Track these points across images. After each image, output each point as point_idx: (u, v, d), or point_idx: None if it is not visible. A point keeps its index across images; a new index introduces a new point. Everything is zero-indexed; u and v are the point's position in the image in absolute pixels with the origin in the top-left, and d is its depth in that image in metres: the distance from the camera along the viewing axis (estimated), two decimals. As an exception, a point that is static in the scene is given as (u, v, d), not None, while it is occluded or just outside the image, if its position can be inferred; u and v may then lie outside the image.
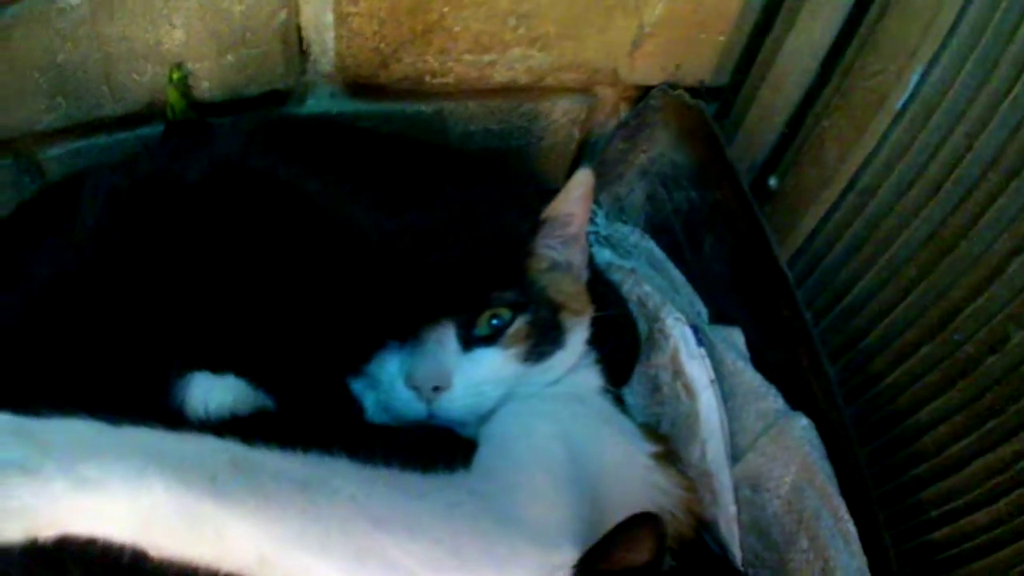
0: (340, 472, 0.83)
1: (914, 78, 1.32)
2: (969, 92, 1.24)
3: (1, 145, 1.31)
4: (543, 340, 1.19)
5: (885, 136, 1.39)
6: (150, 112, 1.33)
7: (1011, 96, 1.17)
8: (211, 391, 0.95)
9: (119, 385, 0.86)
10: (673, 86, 1.57)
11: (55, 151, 1.34)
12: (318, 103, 1.43)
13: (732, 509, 1.31)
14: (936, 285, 1.31)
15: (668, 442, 1.30)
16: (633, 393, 1.43)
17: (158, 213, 1.04)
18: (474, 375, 1.14)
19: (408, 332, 1.15)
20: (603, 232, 1.60)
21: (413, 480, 0.88)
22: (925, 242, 1.32)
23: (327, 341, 1.08)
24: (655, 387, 1.41)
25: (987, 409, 1.22)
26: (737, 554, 1.30)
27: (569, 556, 0.90)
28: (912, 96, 1.33)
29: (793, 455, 1.29)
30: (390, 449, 0.90)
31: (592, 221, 1.59)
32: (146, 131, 1.35)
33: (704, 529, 1.29)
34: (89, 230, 1.03)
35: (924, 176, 1.32)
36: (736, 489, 1.33)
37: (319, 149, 1.25)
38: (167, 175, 1.09)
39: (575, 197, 1.23)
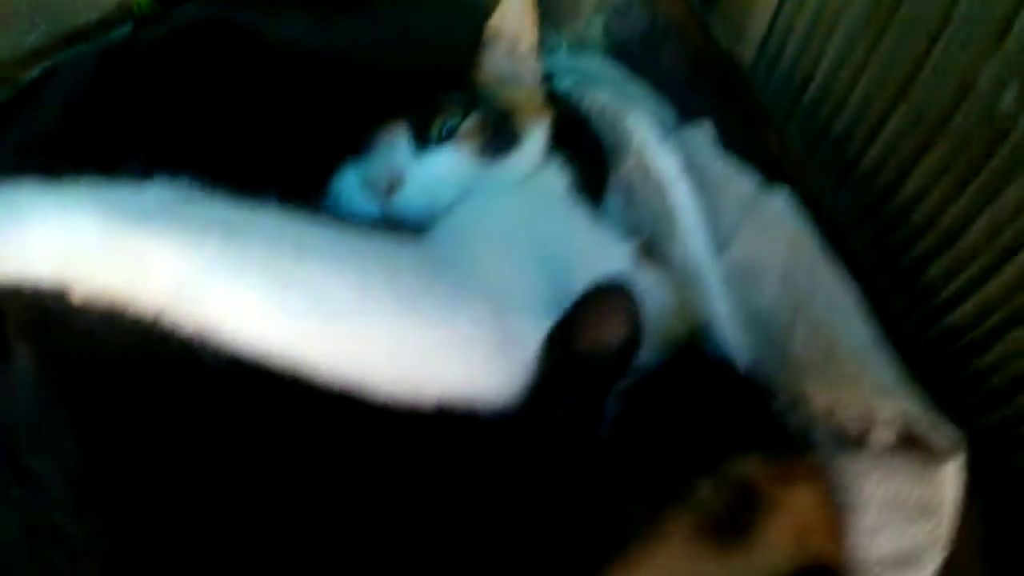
0: (272, 214, 0.85)
1: None
2: None
3: None
4: (497, 138, 1.21)
5: None
6: (121, 15, 1.37)
7: None
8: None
9: None
10: None
11: (37, 71, 1.35)
12: None
13: (725, 305, 1.28)
14: (889, 53, 1.32)
15: (649, 244, 1.29)
16: (609, 207, 1.42)
17: (122, 67, 1.10)
18: (427, 173, 1.17)
19: (364, 143, 1.18)
20: (566, 65, 1.60)
21: (351, 232, 0.89)
22: (872, 8, 1.33)
23: (287, 156, 1.09)
24: (629, 194, 1.39)
25: (970, 165, 1.22)
26: (739, 354, 1.26)
27: (531, 324, 0.89)
28: None
29: (777, 234, 1.30)
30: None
31: (554, 57, 1.60)
32: (119, 33, 1.39)
33: (702, 334, 1.26)
34: (59, 93, 1.10)
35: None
36: (727, 284, 1.30)
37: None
38: (130, 42, 1.19)
39: (513, 12, 1.27)
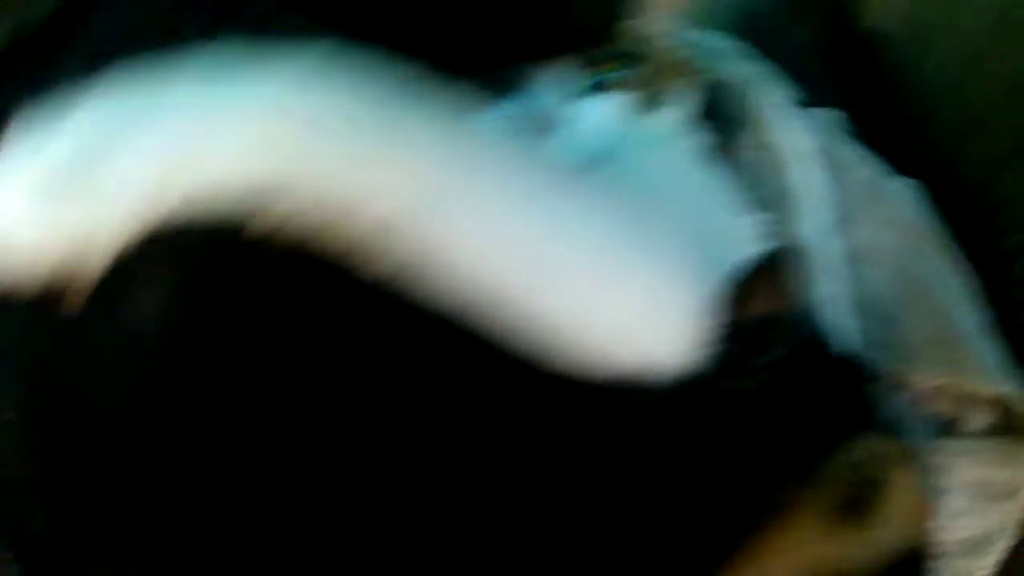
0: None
1: None
2: None
3: None
4: (649, 90, 1.28)
5: None
6: None
7: None
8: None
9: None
10: None
11: None
12: None
13: (839, 287, 1.29)
14: None
15: (770, 221, 1.28)
16: (733, 177, 1.40)
17: None
18: (589, 115, 1.23)
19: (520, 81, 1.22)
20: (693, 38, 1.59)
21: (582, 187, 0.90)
22: None
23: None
24: (745, 167, 1.38)
25: None
26: (851, 336, 1.26)
27: (706, 295, 0.87)
28: None
29: (895, 219, 1.32)
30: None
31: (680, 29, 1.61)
32: None
33: (812, 314, 1.24)
34: None
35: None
36: (843, 265, 1.31)
37: None
38: None
39: None
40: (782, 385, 0.97)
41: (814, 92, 1.51)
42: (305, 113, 0.69)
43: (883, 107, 1.46)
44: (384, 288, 0.68)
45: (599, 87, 1.25)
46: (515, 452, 0.78)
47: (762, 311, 0.91)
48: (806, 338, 1.09)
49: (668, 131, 1.28)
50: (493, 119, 1.16)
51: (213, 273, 0.69)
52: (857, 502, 1.00)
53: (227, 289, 0.69)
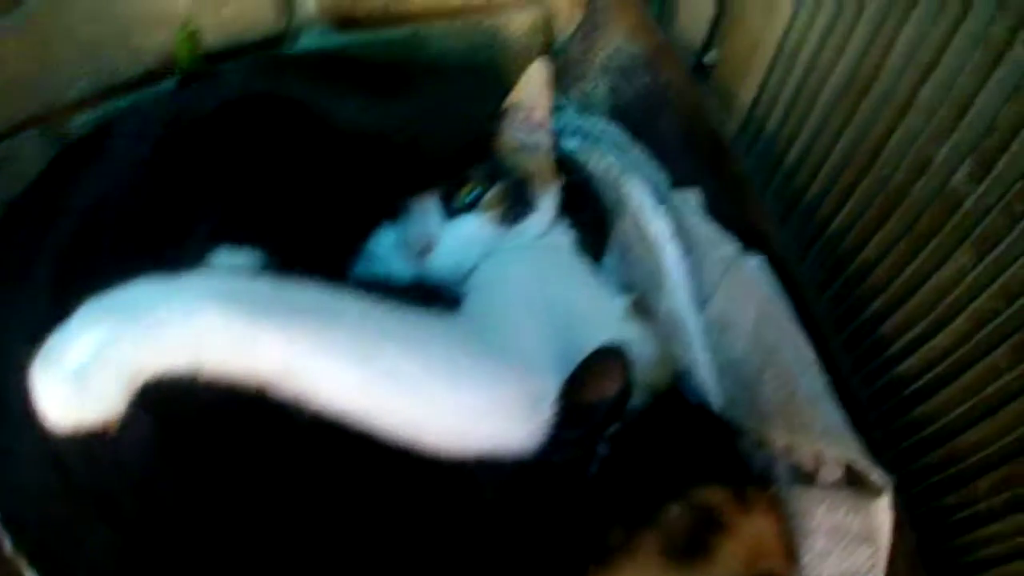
0: (350, 298, 0.99)
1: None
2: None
3: (31, 120, 1.43)
4: (516, 205, 1.39)
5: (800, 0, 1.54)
6: (164, 69, 1.48)
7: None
8: (233, 259, 1.09)
9: (158, 263, 0.96)
10: None
11: (82, 118, 1.47)
12: (309, 40, 1.60)
13: (704, 355, 1.43)
14: (861, 127, 1.44)
15: (641, 299, 1.45)
16: (608, 260, 1.56)
17: (181, 135, 1.22)
18: (456, 237, 1.35)
19: (399, 210, 1.35)
20: (573, 125, 1.75)
21: (412, 311, 1.03)
22: (845, 89, 1.46)
23: (332, 223, 1.26)
24: (625, 250, 1.54)
25: (926, 231, 1.33)
26: (714, 399, 1.41)
27: (551, 385, 1.06)
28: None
29: (750, 293, 1.43)
30: (392, 294, 1.04)
31: (563, 117, 1.76)
32: (163, 86, 1.50)
33: (681, 379, 1.42)
34: (124, 156, 1.20)
35: (836, 30, 1.46)
36: (706, 335, 1.45)
37: (312, 69, 1.46)
38: (187, 109, 1.28)
39: (533, 85, 1.43)
40: (622, 448, 1.16)
41: (678, 174, 1.65)
42: (225, 301, 0.90)
43: (733, 186, 1.59)
44: (284, 409, 0.90)
45: (469, 205, 1.37)
46: (388, 515, 0.99)
47: (597, 396, 1.08)
48: (662, 399, 1.30)
49: (533, 235, 1.42)
50: (381, 246, 1.35)
51: (172, 416, 0.93)
52: (697, 543, 1.15)
53: (183, 423, 0.94)
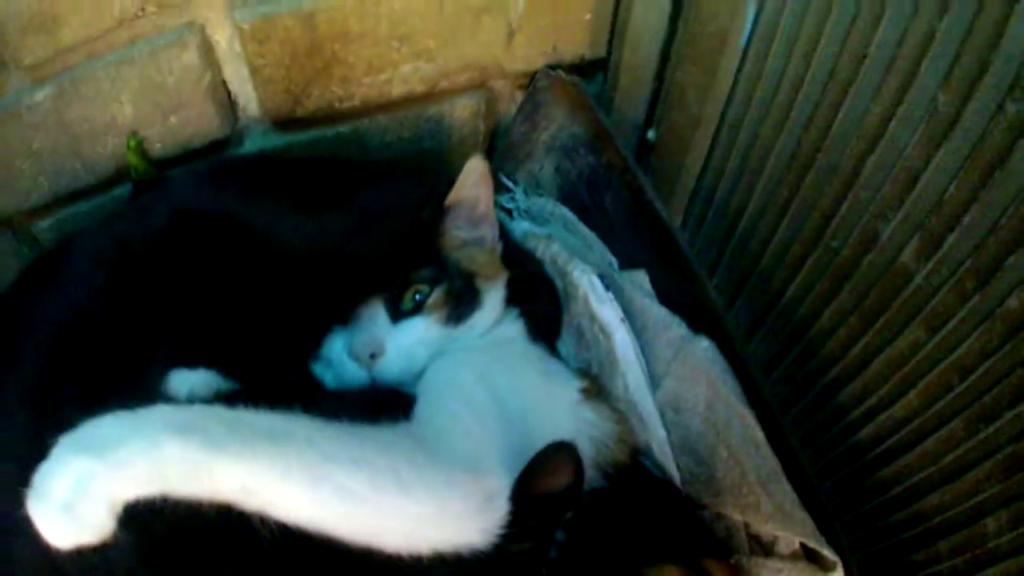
0: (299, 423, 1.02)
1: (749, 15, 1.46)
2: (798, 18, 1.36)
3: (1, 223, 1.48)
4: (461, 304, 1.40)
5: (737, 74, 1.52)
6: (118, 175, 1.51)
7: (832, 14, 1.29)
8: (189, 380, 1.14)
9: (120, 388, 1.06)
10: (553, 67, 1.74)
11: (46, 222, 1.52)
12: (254, 142, 1.62)
13: (661, 433, 1.46)
14: (807, 199, 1.42)
15: (597, 380, 1.47)
16: (564, 344, 1.59)
17: (134, 259, 1.25)
18: (403, 341, 1.36)
19: (347, 315, 1.36)
20: (523, 207, 1.77)
21: (360, 427, 1.06)
22: (790, 161, 1.44)
23: (282, 335, 1.28)
24: (579, 334, 1.56)
25: (877, 305, 1.32)
26: (675, 475, 1.44)
27: (501, 484, 1.08)
28: (751, 33, 1.47)
29: (701, 374, 1.45)
30: (342, 408, 1.06)
31: (513, 198, 1.78)
32: (118, 191, 1.53)
33: (641, 456, 1.45)
34: (82, 281, 1.23)
35: (776, 101, 1.44)
36: (662, 414, 1.47)
37: (253, 182, 1.45)
38: (136, 230, 1.29)
39: (471, 183, 1.43)
40: (580, 532, 1.21)
41: (626, 254, 1.67)
42: (183, 433, 0.94)
43: (678, 268, 1.60)
44: (249, 520, 0.95)
45: (414, 308, 1.37)
46: None
47: (549, 489, 1.11)
48: (623, 476, 1.33)
49: (481, 330, 1.43)
50: (334, 352, 1.36)
51: (148, 529, 0.98)
52: None
53: (158, 534, 1.00)
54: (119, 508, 0.92)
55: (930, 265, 1.22)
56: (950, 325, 1.21)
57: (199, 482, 0.93)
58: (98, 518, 0.91)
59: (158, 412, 0.99)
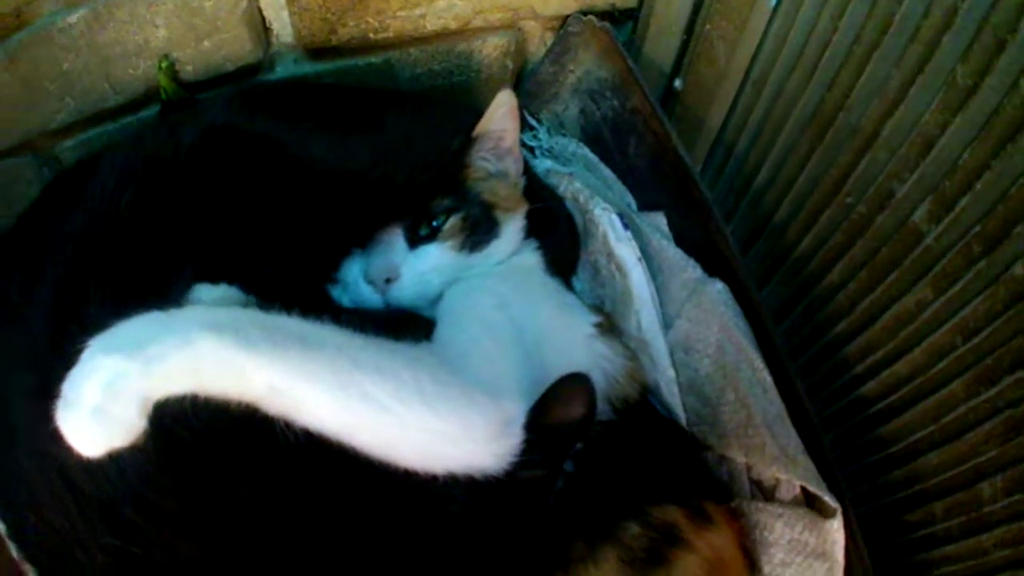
0: (328, 329, 1.01)
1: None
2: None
3: (22, 146, 1.46)
4: (477, 232, 1.38)
5: (765, 32, 1.52)
6: (147, 98, 1.48)
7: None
8: (212, 294, 1.12)
9: (144, 300, 0.99)
10: (585, 12, 1.70)
11: (69, 143, 1.50)
12: (285, 69, 1.59)
13: (670, 372, 1.45)
14: (826, 156, 1.43)
15: (610, 317, 1.45)
16: (579, 280, 1.58)
17: (162, 175, 1.22)
18: (418, 266, 1.34)
19: (366, 240, 1.35)
20: (545, 145, 1.74)
21: (385, 341, 1.04)
22: (811, 119, 1.44)
23: (305, 256, 1.26)
24: (595, 271, 1.55)
25: (887, 262, 1.33)
26: (681, 415, 1.43)
27: (519, 409, 1.08)
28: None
29: (713, 316, 1.43)
30: (366, 324, 1.05)
31: (536, 137, 1.75)
32: (146, 113, 1.50)
33: (649, 394, 1.43)
34: (109, 196, 1.20)
35: (802, 60, 1.45)
36: (671, 354, 1.45)
37: (286, 103, 1.41)
38: (166, 147, 1.26)
39: (499, 115, 1.41)
40: (587, 464, 1.22)
41: (645, 197, 1.65)
42: (217, 331, 0.93)
43: (697, 213, 1.56)
44: (272, 426, 0.94)
45: (430, 235, 1.36)
46: (364, 522, 1.04)
47: (563, 420, 1.11)
48: (631, 412, 1.33)
49: (498, 259, 1.42)
50: (351, 275, 1.35)
51: (169, 431, 0.96)
52: (656, 557, 1.16)
53: (179, 437, 0.97)
54: (150, 407, 0.92)
55: (940, 227, 1.22)
56: (957, 287, 1.21)
57: (230, 380, 0.93)
58: (129, 419, 0.91)
59: (192, 312, 1.00)
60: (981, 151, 1.14)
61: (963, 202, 1.18)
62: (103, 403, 0.89)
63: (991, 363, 1.18)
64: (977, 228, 1.16)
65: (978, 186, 1.15)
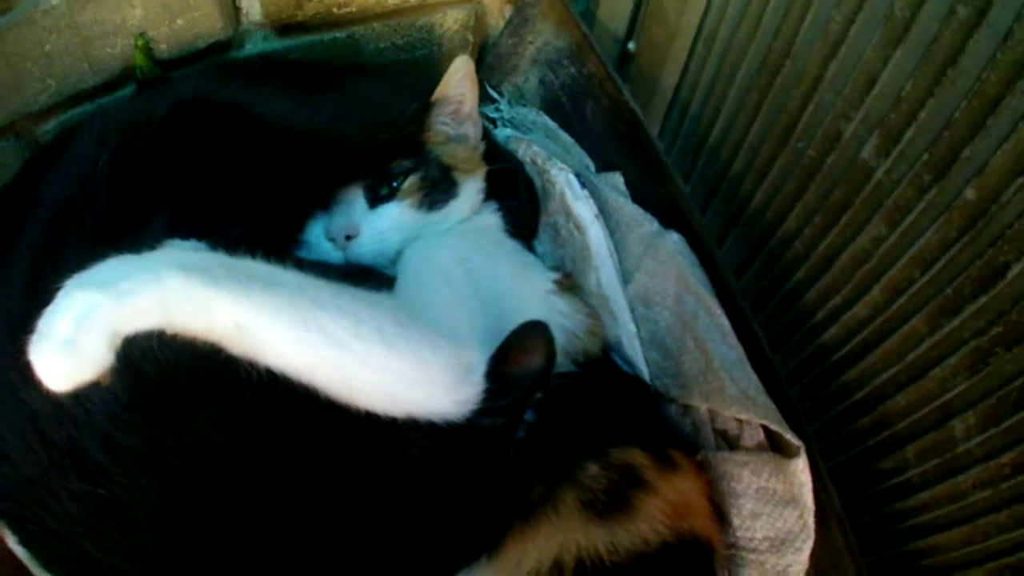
0: (291, 273, 1.03)
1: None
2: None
3: (3, 129, 1.44)
4: (435, 192, 1.39)
5: None
6: (123, 77, 1.48)
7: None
8: (181, 248, 1.11)
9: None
10: None
11: (50, 125, 1.48)
12: (255, 46, 1.59)
13: (631, 327, 1.44)
14: (775, 104, 1.43)
15: (570, 276, 1.45)
16: (540, 243, 1.58)
17: (136, 141, 1.23)
18: (377, 224, 1.35)
19: (328, 201, 1.35)
20: (507, 116, 1.75)
21: (347, 286, 1.06)
22: (759, 69, 1.44)
23: (271, 217, 1.27)
24: (555, 232, 1.55)
25: (840, 203, 1.33)
26: (644, 370, 1.43)
27: (478, 358, 1.09)
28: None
29: (670, 267, 1.43)
30: (330, 273, 1.08)
31: (497, 109, 1.75)
32: (123, 92, 1.50)
33: (611, 351, 1.43)
34: (87, 160, 1.21)
35: (748, 13, 1.45)
36: (632, 309, 1.45)
37: (252, 73, 1.44)
38: (141, 114, 1.27)
39: (457, 79, 1.41)
40: (547, 414, 1.23)
41: (604, 159, 1.65)
42: (186, 270, 0.96)
43: (652, 169, 1.58)
44: (236, 365, 0.97)
45: (390, 194, 1.38)
46: (323, 463, 1.05)
47: (522, 368, 1.11)
48: (593, 367, 1.33)
49: (456, 219, 1.43)
50: (314, 235, 1.36)
51: (135, 370, 0.97)
52: (617, 499, 1.16)
53: (144, 377, 0.98)
54: (119, 342, 0.94)
55: (889, 161, 1.22)
56: (909, 219, 1.21)
57: (197, 317, 0.95)
58: (98, 351, 0.93)
59: (162, 253, 1.02)
60: (923, 80, 1.14)
61: (909, 133, 1.18)
62: (75, 335, 0.91)
63: (951, 293, 1.19)
64: (925, 156, 1.16)
65: (922, 115, 1.15)
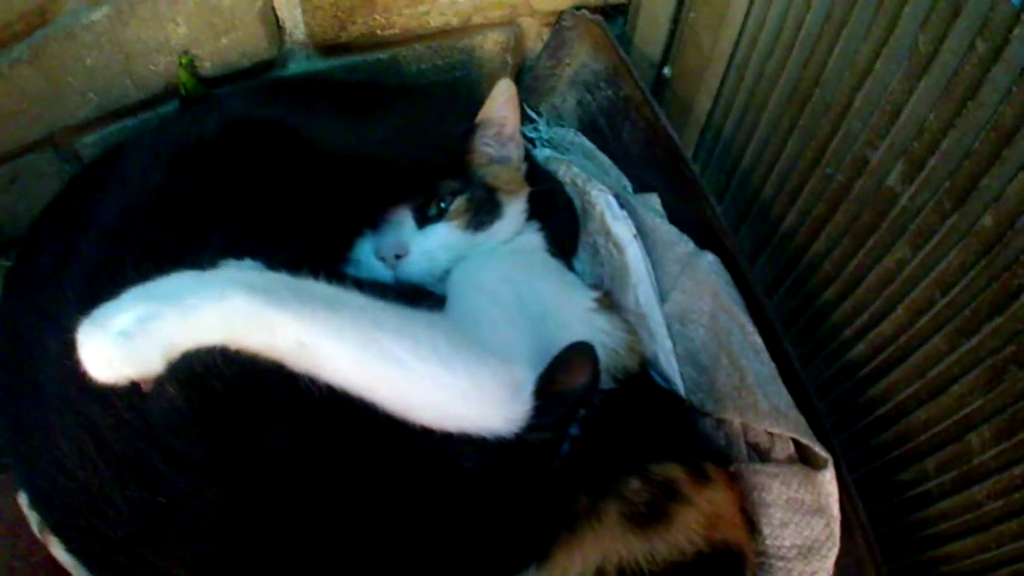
0: (351, 294, 1.08)
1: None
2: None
3: (43, 141, 1.51)
4: (482, 212, 1.46)
5: (745, 18, 1.60)
6: (166, 93, 1.54)
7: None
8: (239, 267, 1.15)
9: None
10: (579, 8, 1.79)
11: (89, 139, 1.55)
12: (298, 65, 1.65)
13: (667, 344, 1.50)
14: (805, 131, 1.49)
15: (609, 294, 1.51)
16: (580, 261, 1.64)
17: (188, 161, 1.28)
18: (426, 244, 1.42)
19: (377, 221, 1.42)
20: (545, 136, 1.82)
21: (403, 306, 1.11)
22: (790, 97, 1.51)
23: (322, 237, 1.32)
24: (594, 251, 1.61)
25: (867, 226, 1.38)
26: (679, 384, 1.48)
27: (528, 376, 1.14)
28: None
29: (706, 287, 1.49)
30: (385, 292, 1.12)
31: (536, 129, 1.83)
32: (164, 109, 1.56)
33: (649, 366, 1.49)
34: (140, 178, 1.26)
35: (779, 42, 1.52)
36: (668, 326, 1.51)
37: (301, 95, 1.50)
38: (192, 134, 1.32)
39: (500, 103, 1.49)
40: (592, 429, 1.28)
41: (640, 180, 1.72)
42: (249, 289, 0.99)
43: (688, 191, 1.63)
44: (298, 382, 1.00)
45: (438, 215, 1.44)
46: (381, 477, 1.09)
47: (569, 386, 1.15)
48: (631, 383, 1.39)
49: (502, 239, 1.49)
50: (363, 253, 1.42)
51: (200, 386, 1.01)
52: (656, 511, 1.22)
53: (209, 392, 1.01)
54: (174, 354, 0.97)
55: (913, 187, 1.28)
56: (932, 243, 1.27)
57: (260, 335, 0.99)
58: (151, 356, 0.96)
59: (226, 272, 1.07)
60: (945, 111, 1.20)
61: (932, 161, 1.24)
62: (134, 332, 0.94)
63: (969, 314, 1.24)
64: (947, 184, 1.22)
65: (944, 145, 1.22)
